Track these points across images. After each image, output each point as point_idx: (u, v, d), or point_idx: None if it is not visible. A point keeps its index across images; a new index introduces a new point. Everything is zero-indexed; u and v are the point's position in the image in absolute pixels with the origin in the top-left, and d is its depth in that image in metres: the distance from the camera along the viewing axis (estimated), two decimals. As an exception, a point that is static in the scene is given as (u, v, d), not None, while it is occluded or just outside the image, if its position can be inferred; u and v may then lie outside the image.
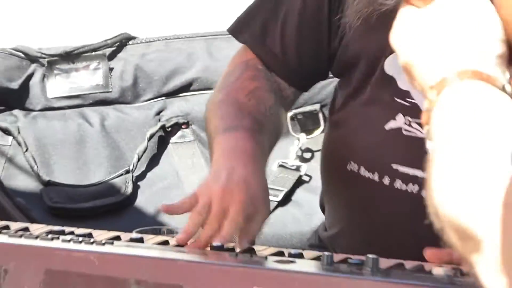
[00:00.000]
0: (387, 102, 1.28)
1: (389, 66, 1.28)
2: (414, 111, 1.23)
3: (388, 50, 1.16)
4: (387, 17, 1.06)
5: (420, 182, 1.12)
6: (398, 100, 1.27)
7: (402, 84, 1.26)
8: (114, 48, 2.01)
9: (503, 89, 0.60)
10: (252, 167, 1.17)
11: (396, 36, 0.74)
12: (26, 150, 1.73)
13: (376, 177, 1.29)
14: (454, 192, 0.56)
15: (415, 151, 1.13)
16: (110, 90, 1.83)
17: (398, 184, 1.26)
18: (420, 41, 0.72)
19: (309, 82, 1.46)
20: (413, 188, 1.25)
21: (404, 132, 1.28)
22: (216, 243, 1.07)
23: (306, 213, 1.79)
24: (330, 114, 1.46)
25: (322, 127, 1.83)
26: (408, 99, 1.27)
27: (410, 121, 1.27)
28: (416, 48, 0.72)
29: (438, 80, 0.64)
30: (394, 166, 1.27)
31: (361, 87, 1.32)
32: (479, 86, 0.60)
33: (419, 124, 1.18)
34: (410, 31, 0.73)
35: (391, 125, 1.29)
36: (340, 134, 1.39)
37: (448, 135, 0.61)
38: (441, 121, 0.62)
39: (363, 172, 1.31)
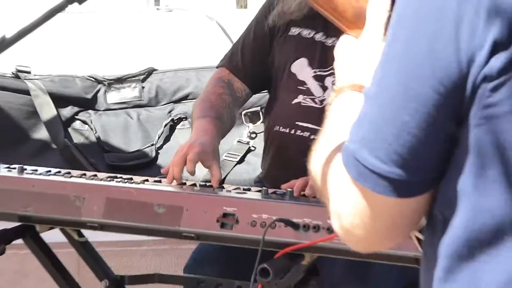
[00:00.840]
0: (292, 89, 1.99)
1: (294, 67, 1.99)
2: (307, 92, 1.97)
3: (291, 58, 1.99)
4: (290, 39, 1.99)
5: (310, 131, 1.88)
6: (298, 87, 1.97)
7: (300, 77, 1.98)
8: (145, 75, 2.97)
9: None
10: (208, 138, 1.86)
11: (336, 51, 0.96)
12: (96, 133, 2.73)
13: (287, 130, 1.97)
14: (315, 157, 0.83)
15: (307, 114, 1.96)
16: (142, 99, 2.86)
17: (298, 132, 1.93)
18: (343, 59, 0.94)
19: (260, 86, 2.14)
20: (306, 134, 1.92)
21: (302, 104, 1.98)
22: (202, 182, 1.79)
23: (253, 168, 2.60)
24: (265, 108, 2.21)
25: (261, 120, 2.61)
26: (304, 86, 1.98)
27: (305, 98, 1.97)
28: (339, 63, 0.94)
29: (339, 87, 0.89)
30: (297, 122, 1.94)
31: (279, 81, 2.03)
32: (355, 94, 0.84)
33: (310, 99, 1.96)
34: (342, 51, 0.95)
35: (295, 101, 1.99)
36: (270, 114, 2.08)
37: (329, 121, 0.87)
38: (330, 113, 0.88)
39: (281, 129, 1.98)
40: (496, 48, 0.63)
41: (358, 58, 0.93)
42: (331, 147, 0.82)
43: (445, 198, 0.72)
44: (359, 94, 0.84)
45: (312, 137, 1.93)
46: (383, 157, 0.69)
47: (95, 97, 2.89)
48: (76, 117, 2.90)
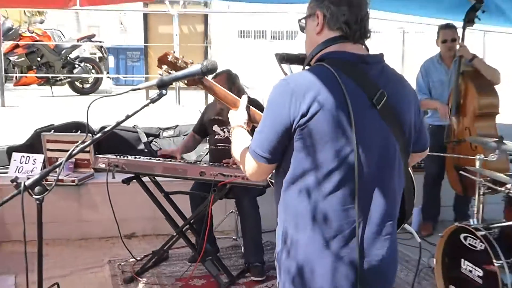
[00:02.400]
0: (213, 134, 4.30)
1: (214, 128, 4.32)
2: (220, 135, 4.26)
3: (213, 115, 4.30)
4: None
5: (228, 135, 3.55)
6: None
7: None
8: (175, 136, 5.56)
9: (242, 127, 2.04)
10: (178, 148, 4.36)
11: (229, 115, 2.14)
12: (160, 148, 5.30)
13: (214, 147, 4.27)
14: (234, 149, 1.99)
15: (220, 140, 4.31)
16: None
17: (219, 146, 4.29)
18: (231, 117, 2.10)
19: (205, 135, 4.51)
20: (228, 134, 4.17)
21: (217, 138, 4.27)
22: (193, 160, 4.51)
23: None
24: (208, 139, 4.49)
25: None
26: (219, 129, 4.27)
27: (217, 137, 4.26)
28: (230, 119, 2.10)
29: (232, 127, 2.08)
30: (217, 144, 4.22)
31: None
32: (240, 129, 2.04)
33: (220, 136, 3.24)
34: (231, 115, 2.13)
35: (216, 137, 4.25)
36: (208, 141, 4.42)
37: (233, 138, 2.03)
38: (233, 136, 2.05)
39: (212, 147, 4.34)
40: (302, 115, 1.70)
41: (236, 118, 2.09)
42: (240, 147, 1.95)
43: (284, 164, 1.82)
44: (239, 128, 2.03)
45: (225, 146, 4.08)
46: (263, 150, 1.79)
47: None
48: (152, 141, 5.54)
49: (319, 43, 1.86)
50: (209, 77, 2.18)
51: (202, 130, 4.44)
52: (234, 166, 3.81)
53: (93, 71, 11.23)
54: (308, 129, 1.72)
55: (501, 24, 5.38)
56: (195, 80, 2.11)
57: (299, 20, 1.97)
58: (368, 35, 1.87)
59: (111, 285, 3.96)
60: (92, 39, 11.95)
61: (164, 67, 2.16)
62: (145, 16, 14.48)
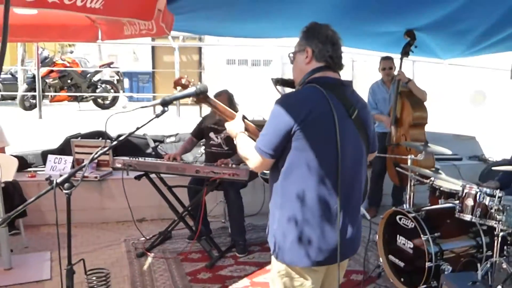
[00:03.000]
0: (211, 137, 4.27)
1: (210, 134, 4.26)
2: (214, 140, 4.23)
3: (211, 124, 4.25)
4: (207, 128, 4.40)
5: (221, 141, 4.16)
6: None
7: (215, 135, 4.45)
8: (176, 141, 5.48)
9: (244, 133, 2.01)
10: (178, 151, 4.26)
11: (227, 125, 2.10)
12: (165, 154, 5.26)
13: (210, 150, 4.23)
14: (241, 148, 1.96)
15: (214, 145, 4.27)
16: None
17: (218, 139, 4.25)
18: (229, 127, 2.08)
19: (201, 139, 4.44)
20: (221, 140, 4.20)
21: (212, 143, 4.24)
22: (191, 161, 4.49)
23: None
24: (204, 143, 4.46)
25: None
26: (214, 136, 4.26)
27: (212, 142, 4.24)
28: (228, 128, 2.08)
29: (237, 132, 2.02)
30: (212, 147, 4.22)
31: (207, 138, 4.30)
32: (242, 134, 2.01)
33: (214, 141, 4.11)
34: (229, 125, 2.08)
35: (211, 142, 4.23)
36: (205, 145, 4.33)
37: (239, 141, 1.98)
38: (238, 140, 1.99)
39: (207, 150, 4.30)
40: (300, 122, 1.78)
41: (235, 127, 2.05)
42: (246, 146, 1.95)
43: (281, 159, 1.84)
44: (241, 133, 2.00)
45: (218, 150, 4.08)
46: (267, 148, 1.83)
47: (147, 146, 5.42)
48: (158, 145, 5.50)
49: (308, 71, 1.93)
50: (211, 95, 2.20)
51: (200, 134, 4.40)
52: (223, 165, 3.83)
53: (112, 90, 11.17)
54: (304, 132, 1.79)
55: (428, 56, 5.51)
56: (202, 99, 2.15)
57: (289, 55, 2.03)
58: (343, 66, 1.98)
59: (126, 259, 3.93)
60: (111, 66, 11.90)
61: (178, 88, 2.16)
62: (153, 48, 14.48)
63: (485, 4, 3.31)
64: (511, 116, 8.31)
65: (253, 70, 15.36)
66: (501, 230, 2.99)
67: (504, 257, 3.11)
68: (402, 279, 3.34)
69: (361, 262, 3.74)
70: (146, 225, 4.76)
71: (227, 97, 4.05)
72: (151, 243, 4.17)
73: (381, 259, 3.53)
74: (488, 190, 3.04)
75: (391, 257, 3.44)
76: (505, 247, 3.16)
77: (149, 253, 4.01)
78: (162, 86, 13.79)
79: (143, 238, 4.27)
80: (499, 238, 3.00)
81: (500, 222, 2.96)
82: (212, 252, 3.95)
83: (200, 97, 2.12)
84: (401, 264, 3.34)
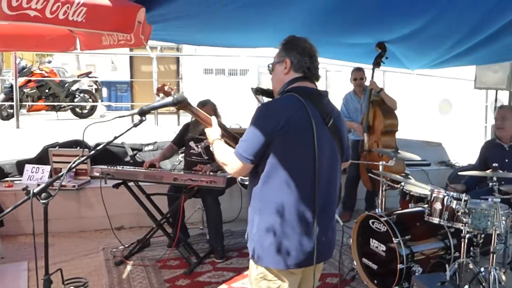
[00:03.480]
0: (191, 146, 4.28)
1: (190, 143, 4.25)
2: (194, 149, 4.22)
3: (196, 134, 4.22)
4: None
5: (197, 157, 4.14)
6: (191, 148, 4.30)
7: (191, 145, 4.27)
8: (154, 150, 5.38)
9: (220, 140, 2.01)
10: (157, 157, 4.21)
11: (206, 131, 2.07)
12: (142, 161, 5.19)
13: (189, 158, 4.23)
14: (219, 154, 1.95)
15: (194, 154, 4.24)
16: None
17: (199, 148, 4.22)
18: (209, 134, 2.06)
19: (181, 147, 4.43)
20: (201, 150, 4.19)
21: (192, 152, 4.20)
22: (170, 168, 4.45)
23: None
24: (184, 152, 4.46)
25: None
26: (194, 145, 4.27)
27: (191, 151, 4.22)
28: (208, 134, 2.06)
29: (215, 138, 2.03)
30: (192, 156, 4.22)
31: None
32: (219, 141, 2.01)
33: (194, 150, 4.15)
34: (208, 131, 2.07)
35: (191, 151, 4.20)
36: (185, 153, 4.32)
37: (216, 147, 1.98)
38: (215, 146, 1.99)
39: (188, 158, 4.25)
40: (280, 128, 1.79)
41: (214, 133, 2.05)
42: (223, 152, 1.94)
43: (261, 164, 1.84)
44: (218, 140, 2.01)
45: (197, 159, 4.06)
46: (247, 153, 1.83)
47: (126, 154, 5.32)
48: (136, 154, 5.41)
49: (287, 81, 1.97)
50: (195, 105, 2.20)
51: (181, 143, 4.36)
52: (200, 173, 3.82)
53: (90, 100, 10.99)
54: (283, 138, 1.81)
55: (397, 67, 5.63)
56: (183, 107, 2.14)
57: (268, 65, 2.07)
58: (319, 77, 2.03)
59: (105, 267, 3.86)
60: (89, 75, 11.72)
61: (161, 94, 2.17)
62: (131, 57, 14.33)
63: (451, 21, 3.42)
64: (475, 123, 8.54)
65: (230, 80, 15.38)
66: (468, 232, 3.07)
67: (471, 258, 3.18)
68: (375, 281, 3.38)
69: (336, 265, 3.76)
70: (125, 233, 4.68)
71: (211, 107, 4.05)
72: (129, 251, 4.10)
73: (355, 262, 3.56)
74: (454, 194, 3.12)
75: (364, 260, 3.48)
76: (471, 248, 3.24)
77: (127, 261, 3.94)
78: (140, 95, 13.64)
79: (122, 246, 4.19)
80: (466, 240, 3.07)
81: (467, 225, 3.03)
82: (190, 258, 3.92)
83: (181, 105, 2.13)
84: (374, 266, 3.38)
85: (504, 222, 3.06)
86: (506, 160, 3.77)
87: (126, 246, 4.21)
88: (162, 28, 3.35)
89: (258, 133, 1.84)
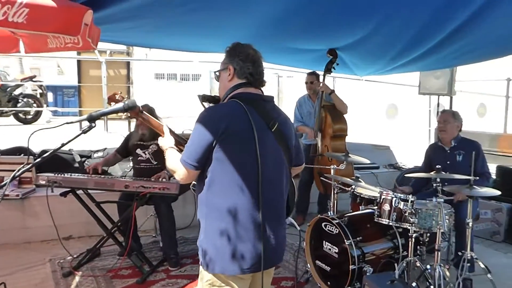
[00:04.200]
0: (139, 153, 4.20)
1: (137, 150, 4.15)
2: (142, 156, 4.22)
3: (136, 141, 4.14)
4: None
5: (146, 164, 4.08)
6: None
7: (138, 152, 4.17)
8: (104, 157, 5.27)
9: (173, 148, 2.06)
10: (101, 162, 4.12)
11: (159, 140, 2.11)
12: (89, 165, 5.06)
13: (138, 166, 4.20)
14: (169, 162, 1.97)
15: (142, 161, 4.14)
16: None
17: (146, 154, 4.20)
18: (161, 142, 2.11)
19: (126, 156, 4.35)
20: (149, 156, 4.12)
21: (140, 159, 4.14)
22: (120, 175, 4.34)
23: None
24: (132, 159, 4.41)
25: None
26: (141, 152, 4.23)
27: (140, 158, 4.16)
28: (160, 143, 2.10)
29: (167, 147, 2.07)
30: (141, 163, 4.14)
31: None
32: (171, 149, 2.05)
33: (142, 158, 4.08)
34: (160, 140, 2.12)
35: (139, 158, 4.16)
36: (132, 160, 4.22)
37: (168, 155, 2.01)
38: (167, 154, 2.03)
39: (137, 166, 4.13)
40: (221, 134, 1.80)
41: (166, 142, 2.09)
42: (173, 160, 1.95)
43: (206, 170, 1.85)
44: (171, 148, 2.05)
45: (146, 165, 3.99)
46: (190, 159, 1.85)
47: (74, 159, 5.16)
48: (85, 161, 5.24)
49: (230, 87, 1.98)
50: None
51: (125, 151, 4.28)
52: (152, 179, 3.76)
53: (34, 105, 10.53)
54: (225, 144, 1.81)
55: (346, 73, 5.81)
56: (135, 114, 2.15)
57: (214, 72, 2.07)
58: (264, 83, 2.03)
59: (52, 279, 3.70)
60: (33, 79, 11.23)
61: (112, 103, 2.14)
62: (79, 61, 13.84)
63: (394, 32, 3.58)
64: (419, 127, 8.93)
65: (182, 85, 15.23)
66: (414, 232, 3.20)
67: (418, 256, 3.33)
68: (328, 283, 3.44)
69: (290, 269, 3.80)
70: (73, 243, 4.51)
71: (147, 111, 3.95)
72: (78, 261, 3.96)
73: (308, 265, 3.61)
74: (402, 196, 3.25)
75: (318, 262, 3.54)
76: (418, 247, 3.38)
77: (76, 272, 3.80)
78: (89, 101, 13.22)
79: (70, 257, 4.04)
80: (413, 239, 3.20)
81: (413, 224, 3.17)
82: (143, 267, 3.83)
83: (133, 111, 2.10)
84: (328, 268, 3.44)
85: (447, 221, 3.23)
86: (448, 162, 3.96)
87: (75, 256, 4.06)
88: (110, 29, 3.27)
89: (199, 139, 1.85)
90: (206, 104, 2.09)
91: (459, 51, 4.05)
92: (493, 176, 5.14)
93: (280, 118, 2.00)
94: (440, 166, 3.38)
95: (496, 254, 4.50)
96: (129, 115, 2.24)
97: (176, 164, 1.92)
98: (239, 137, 1.84)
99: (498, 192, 3.34)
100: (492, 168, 5.01)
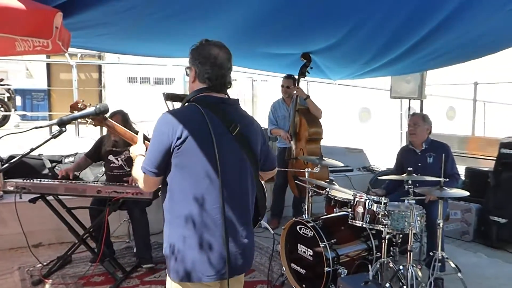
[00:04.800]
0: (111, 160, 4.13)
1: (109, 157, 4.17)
2: (114, 162, 4.09)
3: (109, 147, 4.07)
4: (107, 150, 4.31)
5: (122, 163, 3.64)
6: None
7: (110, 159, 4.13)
8: (73, 160, 5.21)
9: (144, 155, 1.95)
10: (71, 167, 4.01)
11: (131, 148, 2.09)
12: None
13: (110, 172, 4.12)
14: (135, 171, 1.91)
15: (114, 167, 4.09)
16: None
17: (119, 161, 4.13)
18: (133, 150, 2.08)
19: (97, 161, 4.27)
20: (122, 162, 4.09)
21: (112, 165, 4.12)
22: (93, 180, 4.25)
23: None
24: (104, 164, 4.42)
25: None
26: (114, 158, 4.16)
27: (113, 165, 4.10)
28: (132, 150, 2.07)
29: (136, 155, 2.04)
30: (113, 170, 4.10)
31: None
32: (141, 157, 1.98)
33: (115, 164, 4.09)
34: (132, 148, 2.10)
35: (112, 164, 4.10)
36: (105, 166, 4.21)
37: (136, 163, 1.94)
38: (135, 162, 1.97)
39: (109, 172, 4.16)
40: (178, 138, 1.77)
41: (137, 149, 2.06)
42: (138, 167, 1.89)
43: (167, 177, 1.82)
44: (140, 156, 2.00)
45: (119, 172, 3.95)
46: (149, 166, 1.82)
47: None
48: (55, 166, 5.12)
49: (194, 90, 1.93)
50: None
51: (95, 156, 4.19)
52: (126, 184, 3.71)
53: (2, 109, 10.24)
54: (182, 149, 1.77)
55: (321, 77, 5.87)
56: (100, 122, 2.11)
57: (186, 70, 2.00)
58: (229, 86, 1.96)
59: (21, 287, 3.59)
60: (1, 83, 10.92)
61: (75, 112, 2.13)
62: (48, 64, 13.55)
63: (367, 37, 3.66)
64: (391, 130, 9.11)
65: (156, 89, 15.08)
66: (387, 233, 3.26)
67: (391, 257, 3.38)
68: (303, 286, 3.46)
69: (265, 272, 3.81)
70: (43, 251, 4.40)
71: (121, 117, 3.91)
72: (48, 269, 3.86)
73: (284, 268, 3.62)
74: (375, 198, 3.30)
75: (293, 265, 3.56)
76: (391, 248, 3.44)
77: (46, 280, 3.71)
78: (59, 105, 12.94)
79: (40, 265, 3.94)
80: (386, 241, 3.26)
81: (386, 226, 3.23)
82: (116, 273, 3.76)
83: (99, 118, 2.07)
84: (303, 271, 3.47)
85: (419, 222, 3.30)
86: (419, 164, 4.05)
87: (45, 264, 3.97)
88: (82, 35, 3.23)
89: (156, 145, 1.81)
90: (170, 103, 2.04)
91: (429, 56, 4.16)
92: (462, 178, 5.30)
93: (243, 121, 1.95)
94: (411, 169, 3.45)
95: (466, 254, 4.62)
96: (93, 123, 2.21)
97: (139, 172, 1.89)
98: (197, 141, 1.80)
99: (467, 193, 3.45)
100: (461, 169, 5.16)
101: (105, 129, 4.30)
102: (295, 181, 4.72)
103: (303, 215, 3.76)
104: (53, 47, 2.54)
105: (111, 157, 4.10)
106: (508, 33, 3.65)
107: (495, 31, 3.53)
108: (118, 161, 4.08)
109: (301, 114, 4.95)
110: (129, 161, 4.01)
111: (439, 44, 3.74)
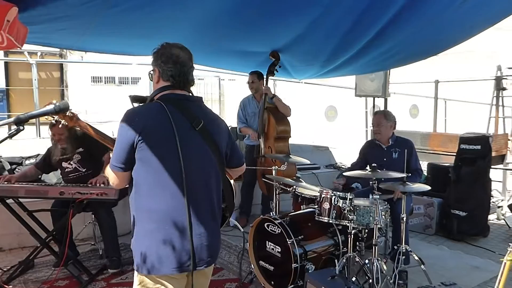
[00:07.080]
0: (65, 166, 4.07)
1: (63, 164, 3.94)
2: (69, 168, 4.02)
3: (59, 156, 3.90)
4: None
5: (75, 165, 3.79)
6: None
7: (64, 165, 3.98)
8: (34, 162, 5.00)
9: None
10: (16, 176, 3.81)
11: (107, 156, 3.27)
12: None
13: (70, 166, 4.00)
14: (106, 169, 1.94)
15: (70, 171, 3.94)
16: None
17: (72, 165, 3.93)
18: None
19: (48, 171, 4.19)
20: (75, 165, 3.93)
21: (67, 170, 3.97)
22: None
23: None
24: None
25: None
26: (67, 164, 4.00)
27: (70, 163, 3.99)
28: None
29: (110, 156, 1.95)
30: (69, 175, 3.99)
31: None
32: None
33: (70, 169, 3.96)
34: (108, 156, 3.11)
35: (66, 170, 3.94)
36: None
37: (107, 170, 1.95)
38: (106, 170, 1.97)
39: (68, 165, 3.96)
40: (139, 134, 1.81)
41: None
42: (107, 168, 1.94)
43: (133, 173, 1.88)
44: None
45: (75, 175, 3.79)
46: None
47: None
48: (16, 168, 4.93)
49: (157, 89, 2.00)
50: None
51: (45, 167, 4.05)
52: (90, 185, 3.62)
53: (-43, 110, 9.82)
54: (144, 144, 1.82)
55: (286, 77, 5.92)
56: (74, 122, 2.10)
57: (149, 73, 2.07)
58: (192, 83, 2.02)
59: (-21, 295, 3.46)
60: (-45, 82, 10.48)
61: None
62: (6, 63, 13.06)
63: (325, 32, 3.73)
64: (357, 128, 9.28)
65: (121, 89, 14.81)
66: (353, 228, 3.33)
67: (357, 252, 3.45)
68: (272, 282, 3.49)
69: (234, 270, 3.81)
70: (4, 256, 4.27)
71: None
72: (9, 274, 3.73)
73: (252, 266, 3.64)
74: (341, 194, 3.36)
75: (261, 262, 3.58)
76: (357, 243, 3.51)
77: (7, 286, 3.59)
78: (19, 105, 12.52)
79: (0, 271, 3.81)
80: (352, 236, 3.32)
81: (352, 221, 3.30)
82: (81, 277, 3.68)
83: (73, 118, 2.07)
84: (271, 268, 3.49)
85: (383, 217, 3.39)
86: (385, 159, 4.15)
87: (5, 269, 3.84)
88: (40, 30, 3.12)
89: (121, 140, 1.87)
90: (136, 105, 2.07)
91: (386, 54, 4.26)
92: (425, 173, 5.46)
93: (207, 117, 2.00)
94: (376, 164, 3.52)
95: (429, 247, 4.77)
96: (66, 125, 2.18)
97: (108, 170, 1.95)
98: (159, 136, 1.85)
99: (429, 188, 3.56)
100: (424, 165, 5.31)
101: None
102: (263, 179, 4.74)
103: (271, 213, 3.79)
104: (7, 43, 2.45)
105: (64, 164, 3.96)
106: (463, 28, 3.76)
107: (449, 26, 3.62)
108: (71, 165, 3.96)
109: (269, 112, 4.98)
110: (82, 162, 3.93)
111: (393, 42, 3.83)
